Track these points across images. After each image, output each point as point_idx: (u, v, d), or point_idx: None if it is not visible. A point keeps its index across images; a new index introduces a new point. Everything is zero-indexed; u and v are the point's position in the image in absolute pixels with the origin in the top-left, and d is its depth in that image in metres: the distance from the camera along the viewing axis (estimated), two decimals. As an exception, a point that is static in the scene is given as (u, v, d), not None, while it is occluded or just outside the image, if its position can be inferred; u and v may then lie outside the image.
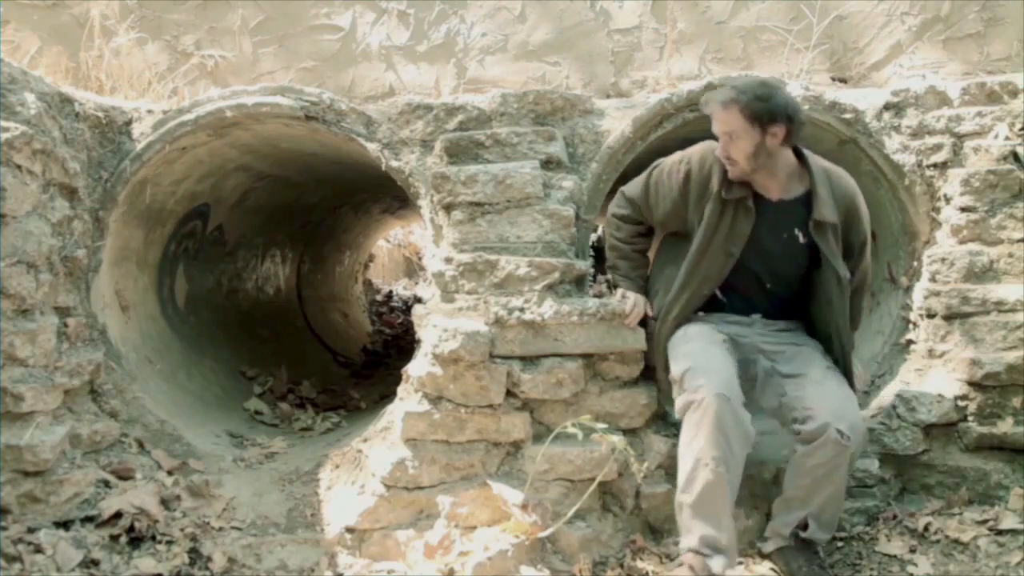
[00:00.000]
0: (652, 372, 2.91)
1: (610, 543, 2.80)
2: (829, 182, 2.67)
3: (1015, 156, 3.11)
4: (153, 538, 2.69)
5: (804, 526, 2.61)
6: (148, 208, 3.51)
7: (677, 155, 2.79)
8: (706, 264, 2.67)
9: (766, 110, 2.50)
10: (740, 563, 2.65)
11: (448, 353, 2.70)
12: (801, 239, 2.67)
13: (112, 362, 3.15)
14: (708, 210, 2.64)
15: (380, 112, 3.31)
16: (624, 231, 2.94)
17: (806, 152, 2.70)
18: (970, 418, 3.00)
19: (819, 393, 2.53)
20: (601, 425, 2.59)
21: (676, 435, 3.05)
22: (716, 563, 2.41)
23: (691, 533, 2.45)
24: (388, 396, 3.51)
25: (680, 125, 3.28)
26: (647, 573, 2.69)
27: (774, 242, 2.68)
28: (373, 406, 4.17)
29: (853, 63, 4.03)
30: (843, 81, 4.00)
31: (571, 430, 2.60)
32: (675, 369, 2.61)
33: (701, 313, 2.77)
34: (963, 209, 3.13)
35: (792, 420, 2.57)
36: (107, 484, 2.84)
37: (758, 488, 2.98)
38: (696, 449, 2.42)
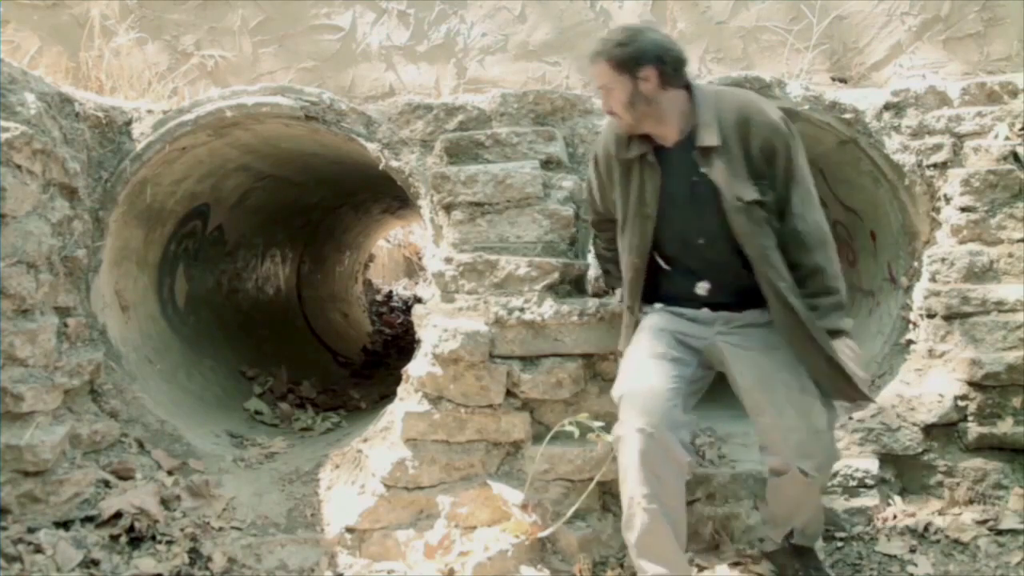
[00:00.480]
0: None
1: (610, 543, 2.80)
2: (717, 105, 2.40)
3: (1015, 156, 3.11)
4: (153, 538, 2.69)
5: (792, 533, 2.56)
6: (148, 208, 3.51)
7: None
8: (630, 235, 2.48)
9: (630, 55, 2.35)
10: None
11: (448, 353, 2.70)
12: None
13: (112, 362, 3.15)
14: (617, 178, 2.50)
15: (380, 112, 3.31)
16: (602, 238, 2.80)
17: (696, 85, 2.50)
18: (970, 418, 3.00)
19: (779, 426, 2.31)
20: (598, 423, 2.59)
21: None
22: None
23: (643, 572, 2.32)
24: (388, 396, 3.51)
25: (680, 125, 3.27)
26: (647, 573, 2.69)
27: (686, 192, 2.41)
28: (373, 406, 4.17)
29: (853, 63, 4.03)
30: (843, 81, 4.00)
31: (568, 428, 2.60)
32: (614, 390, 2.44)
33: (658, 304, 2.55)
34: (963, 209, 3.13)
35: (759, 441, 2.44)
36: (107, 484, 2.84)
37: (758, 487, 2.98)
38: (628, 489, 2.29)
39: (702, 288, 2.48)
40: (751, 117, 2.38)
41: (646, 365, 2.39)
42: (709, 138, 2.34)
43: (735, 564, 2.74)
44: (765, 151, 2.36)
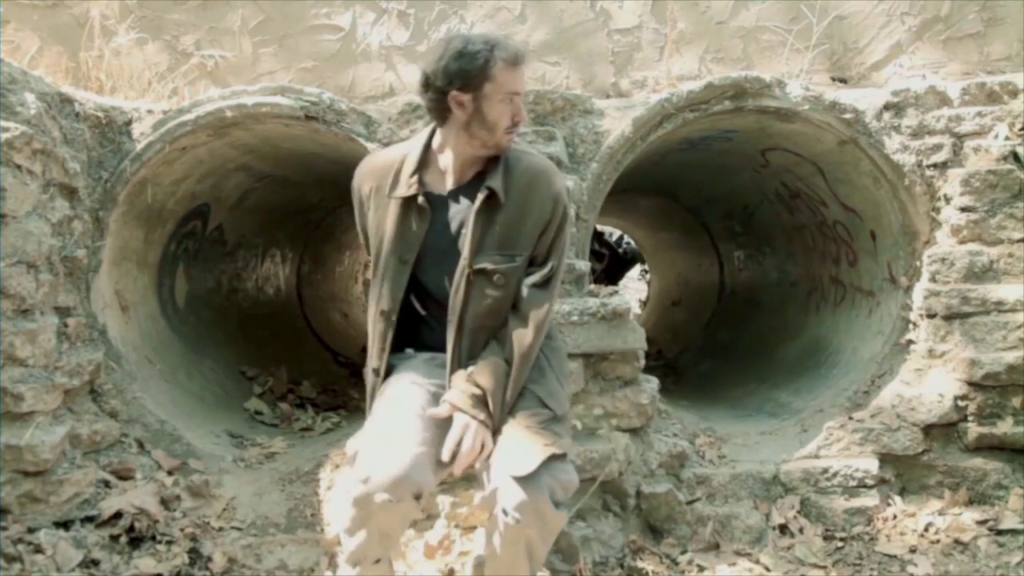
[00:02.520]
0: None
1: (610, 543, 2.80)
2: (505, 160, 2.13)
3: (1015, 156, 3.11)
4: (153, 538, 2.69)
5: None
6: (148, 208, 3.51)
7: None
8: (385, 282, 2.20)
9: None
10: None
11: (448, 353, 2.70)
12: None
13: (112, 362, 3.15)
14: (377, 215, 2.17)
15: (380, 112, 3.31)
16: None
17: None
18: (970, 418, 3.00)
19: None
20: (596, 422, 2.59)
21: (676, 435, 3.06)
22: None
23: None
24: (388, 396, 3.50)
25: (680, 125, 3.28)
26: (647, 573, 2.70)
27: (451, 240, 2.14)
28: (373, 406, 4.16)
29: (853, 63, 4.03)
30: (843, 81, 4.00)
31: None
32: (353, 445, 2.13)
33: (409, 350, 2.25)
34: (963, 209, 3.13)
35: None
36: (107, 484, 2.84)
37: (758, 487, 2.99)
38: (356, 548, 2.02)
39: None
40: (538, 179, 2.12)
41: (396, 430, 2.01)
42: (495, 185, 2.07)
43: (735, 564, 2.74)
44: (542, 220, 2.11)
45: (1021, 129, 3.14)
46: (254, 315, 5.04)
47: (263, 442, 3.48)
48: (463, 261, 2.08)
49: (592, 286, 3.00)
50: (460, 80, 2.02)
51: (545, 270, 2.14)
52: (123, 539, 2.66)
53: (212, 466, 3.12)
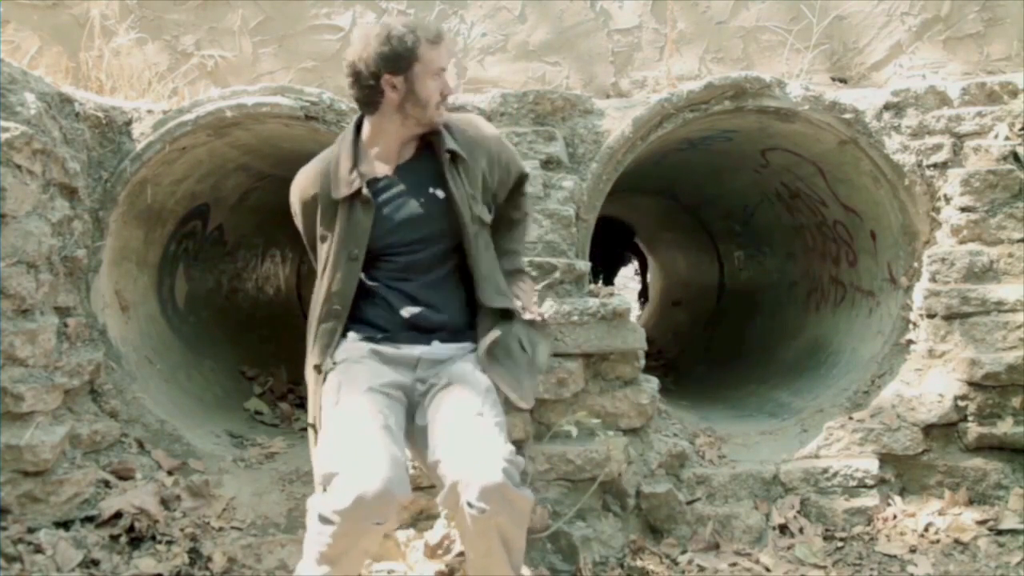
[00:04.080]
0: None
1: (610, 543, 2.80)
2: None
3: (1015, 156, 3.11)
4: (153, 538, 2.69)
5: None
6: (148, 208, 3.51)
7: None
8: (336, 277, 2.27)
9: None
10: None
11: (448, 353, 2.70)
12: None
13: (112, 362, 3.15)
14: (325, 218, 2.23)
15: (380, 112, 3.30)
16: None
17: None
18: (970, 418, 3.00)
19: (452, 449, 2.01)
20: (595, 421, 2.59)
21: (676, 435, 3.06)
22: None
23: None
24: (388, 396, 3.50)
25: (680, 125, 3.28)
26: (647, 573, 2.70)
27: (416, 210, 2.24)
28: (373, 406, 4.16)
29: (853, 63, 4.03)
30: (843, 81, 4.00)
31: (566, 427, 2.60)
32: (322, 465, 2.00)
33: (352, 334, 2.26)
34: (963, 209, 3.13)
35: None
36: (107, 484, 2.84)
37: (758, 487, 2.99)
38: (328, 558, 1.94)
39: (420, 358, 2.21)
40: (476, 129, 2.32)
41: (365, 438, 1.98)
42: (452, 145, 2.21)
43: (735, 564, 2.74)
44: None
45: (1021, 129, 3.14)
46: (254, 315, 5.04)
47: (263, 442, 3.48)
48: (465, 219, 2.18)
49: (592, 286, 3.00)
50: (391, 64, 2.13)
51: (521, 200, 2.43)
52: (123, 539, 2.66)
53: (212, 466, 3.11)
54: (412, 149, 2.27)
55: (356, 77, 2.18)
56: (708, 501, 2.93)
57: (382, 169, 2.24)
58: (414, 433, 2.18)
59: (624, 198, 5.91)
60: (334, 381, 2.16)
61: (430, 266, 2.24)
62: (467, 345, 2.25)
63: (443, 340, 2.24)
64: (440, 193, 2.22)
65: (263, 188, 4.38)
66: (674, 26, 4.01)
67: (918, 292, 3.20)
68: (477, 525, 1.94)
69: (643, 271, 9.11)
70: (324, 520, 1.91)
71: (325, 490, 1.94)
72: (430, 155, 2.24)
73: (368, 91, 2.18)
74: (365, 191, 2.17)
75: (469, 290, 2.26)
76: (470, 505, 1.90)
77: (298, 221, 2.34)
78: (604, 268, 7.80)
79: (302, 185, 2.30)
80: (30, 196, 2.72)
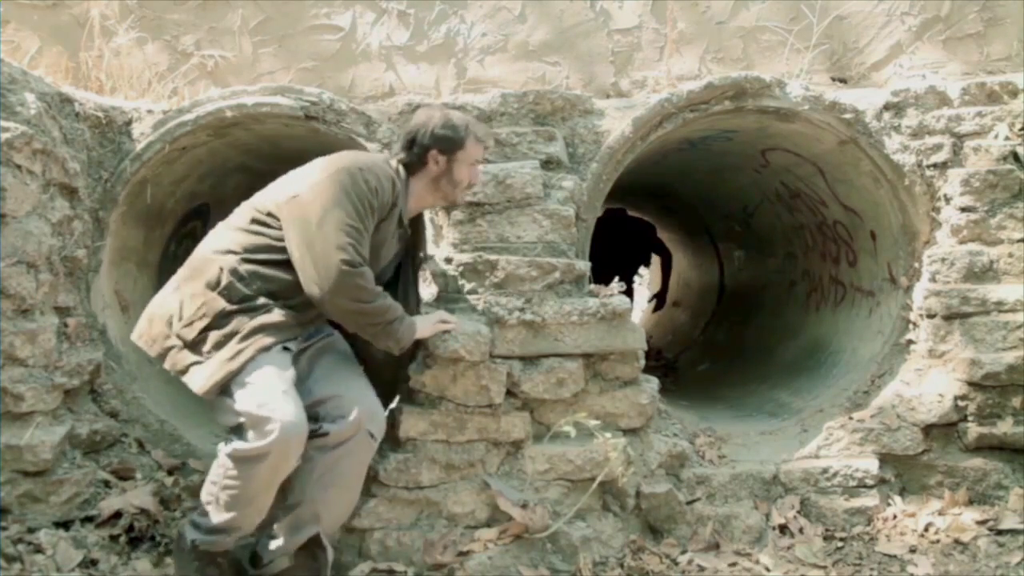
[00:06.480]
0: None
1: (610, 543, 2.80)
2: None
3: (1015, 156, 3.11)
4: (152, 538, 2.69)
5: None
6: (148, 208, 3.51)
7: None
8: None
9: None
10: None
11: (448, 353, 2.70)
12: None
13: (112, 362, 3.15)
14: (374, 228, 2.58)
15: (380, 112, 3.31)
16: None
17: None
18: (970, 418, 3.00)
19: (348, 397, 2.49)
20: (595, 422, 2.59)
21: (676, 435, 3.06)
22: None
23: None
24: (388, 396, 3.49)
25: (680, 125, 3.28)
26: (647, 573, 2.70)
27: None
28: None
29: (853, 63, 4.03)
30: (843, 81, 4.00)
31: (566, 428, 2.60)
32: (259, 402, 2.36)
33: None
34: (963, 209, 3.13)
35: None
36: (107, 484, 2.84)
37: (758, 487, 2.99)
38: (261, 479, 2.32)
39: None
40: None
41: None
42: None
43: (735, 564, 2.74)
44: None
45: (1021, 129, 3.14)
46: (254, 315, 5.03)
47: (263, 442, 3.47)
48: (421, 260, 2.90)
49: (592, 286, 3.00)
50: (442, 144, 2.61)
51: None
52: (123, 539, 2.66)
53: (212, 466, 3.11)
54: (418, 211, 2.79)
55: (411, 143, 2.64)
56: (708, 501, 2.93)
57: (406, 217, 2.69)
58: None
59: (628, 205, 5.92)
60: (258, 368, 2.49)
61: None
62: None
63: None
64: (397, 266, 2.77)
65: (263, 188, 4.37)
66: (674, 26, 4.01)
67: (918, 292, 3.20)
68: (363, 449, 2.50)
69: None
70: (248, 459, 2.27)
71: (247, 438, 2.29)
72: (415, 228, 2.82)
73: (417, 156, 2.64)
74: (405, 226, 2.70)
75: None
76: (372, 436, 2.49)
77: (372, 200, 2.48)
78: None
79: (386, 186, 2.53)
80: (30, 196, 2.72)
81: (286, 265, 2.43)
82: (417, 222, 2.85)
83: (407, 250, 2.80)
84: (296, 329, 2.48)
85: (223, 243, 2.51)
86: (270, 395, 2.29)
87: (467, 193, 2.77)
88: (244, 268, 2.44)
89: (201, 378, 2.34)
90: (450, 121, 2.62)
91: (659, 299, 8.22)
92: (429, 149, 2.61)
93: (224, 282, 2.42)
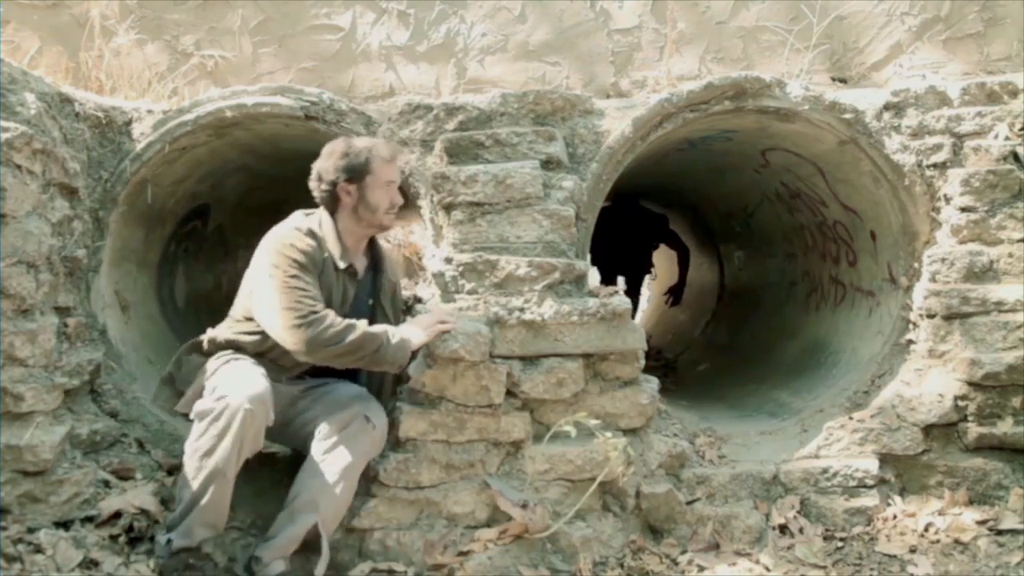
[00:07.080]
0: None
1: (610, 543, 2.80)
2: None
3: (1015, 156, 3.11)
4: (152, 538, 2.69)
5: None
6: (148, 208, 3.51)
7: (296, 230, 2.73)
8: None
9: None
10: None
11: (448, 353, 2.70)
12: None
13: (112, 362, 3.15)
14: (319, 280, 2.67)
15: (380, 112, 3.31)
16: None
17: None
18: (970, 418, 3.00)
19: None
20: (595, 422, 2.59)
21: (676, 435, 3.06)
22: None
23: (193, 536, 2.49)
24: (388, 396, 3.49)
25: (680, 125, 3.28)
26: (647, 573, 2.70)
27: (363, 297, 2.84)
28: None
29: (853, 63, 4.03)
30: (843, 81, 4.00)
31: (566, 428, 2.60)
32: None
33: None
34: (963, 209, 3.13)
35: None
36: (107, 484, 2.84)
37: (758, 487, 2.99)
38: (218, 456, 2.45)
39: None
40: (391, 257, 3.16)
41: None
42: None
43: (735, 564, 2.74)
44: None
45: (1021, 129, 3.14)
46: (254, 315, 5.03)
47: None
48: (381, 303, 2.87)
49: (592, 286, 3.00)
50: (347, 173, 2.65)
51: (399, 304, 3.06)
52: (122, 539, 2.66)
53: (212, 466, 3.11)
54: (362, 246, 2.82)
55: (318, 181, 2.69)
56: (708, 501, 2.93)
57: (345, 257, 2.71)
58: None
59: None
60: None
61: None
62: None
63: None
64: (370, 301, 2.83)
65: (263, 188, 4.38)
66: (674, 26, 4.01)
67: (918, 292, 3.20)
68: (368, 439, 2.65)
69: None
70: (207, 412, 2.43)
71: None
72: (371, 263, 2.87)
73: (328, 194, 2.69)
74: (353, 268, 2.74)
75: None
76: (373, 425, 2.64)
77: (297, 257, 2.60)
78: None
79: (314, 246, 2.64)
80: (30, 196, 2.72)
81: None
82: (374, 255, 2.87)
83: (374, 287, 2.85)
84: (279, 372, 2.68)
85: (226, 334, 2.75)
86: (230, 382, 2.49)
87: (391, 215, 2.73)
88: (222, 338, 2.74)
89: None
90: (351, 148, 2.66)
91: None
92: (336, 183, 2.66)
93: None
